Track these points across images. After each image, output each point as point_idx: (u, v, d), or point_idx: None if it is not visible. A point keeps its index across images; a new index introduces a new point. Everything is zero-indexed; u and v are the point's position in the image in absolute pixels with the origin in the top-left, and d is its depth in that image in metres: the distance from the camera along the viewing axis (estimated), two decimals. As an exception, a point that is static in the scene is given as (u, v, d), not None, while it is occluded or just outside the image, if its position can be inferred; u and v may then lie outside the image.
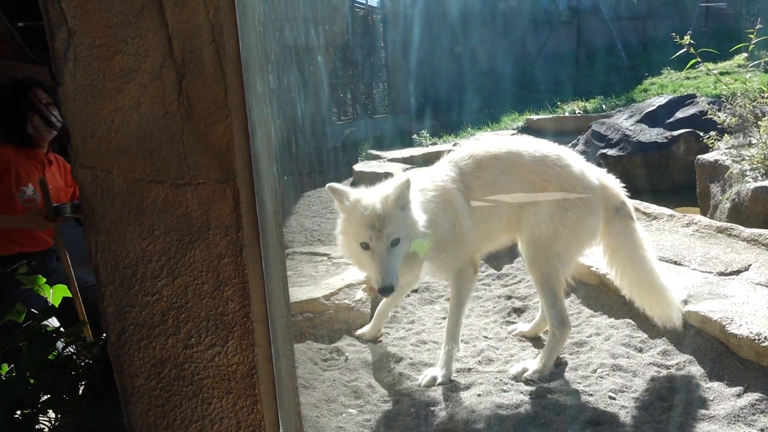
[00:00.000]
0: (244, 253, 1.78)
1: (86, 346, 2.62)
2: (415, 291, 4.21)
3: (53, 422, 2.47)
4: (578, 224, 2.94)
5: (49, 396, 2.40)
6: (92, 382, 2.53)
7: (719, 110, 6.26)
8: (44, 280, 2.81)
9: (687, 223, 4.19)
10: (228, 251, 1.79)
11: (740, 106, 5.86)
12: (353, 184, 8.30)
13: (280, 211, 1.94)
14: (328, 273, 4.10)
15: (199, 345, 1.86)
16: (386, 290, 2.59)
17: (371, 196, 2.74)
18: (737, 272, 3.32)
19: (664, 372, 2.88)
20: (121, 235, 1.81)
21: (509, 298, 3.91)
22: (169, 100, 1.71)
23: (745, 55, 5.96)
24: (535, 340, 3.40)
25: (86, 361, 2.60)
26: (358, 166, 8.49)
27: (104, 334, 2.94)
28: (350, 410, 2.79)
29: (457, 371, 3.09)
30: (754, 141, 5.70)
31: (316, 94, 10.57)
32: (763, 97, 5.61)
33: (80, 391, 2.55)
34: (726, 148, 5.96)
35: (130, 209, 1.79)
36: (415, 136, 9.80)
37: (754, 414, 2.49)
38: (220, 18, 1.63)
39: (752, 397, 2.57)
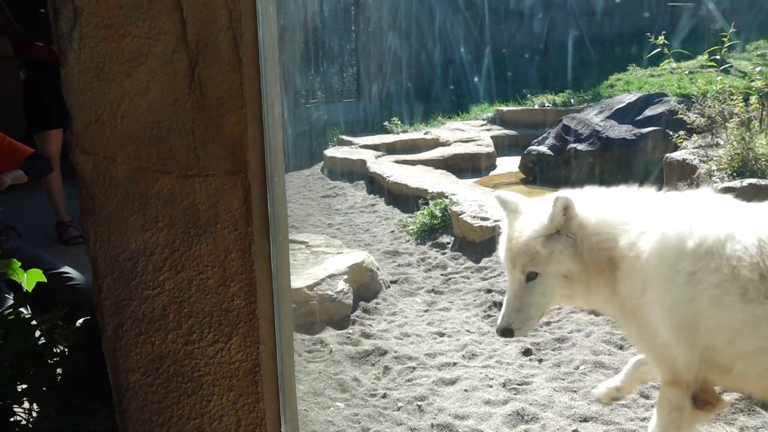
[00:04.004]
0: (253, 249, 1.73)
1: (63, 334, 2.52)
2: (395, 282, 4.21)
3: (29, 413, 2.38)
4: None
5: (25, 386, 2.31)
6: (71, 371, 2.44)
7: (689, 110, 6.41)
8: (19, 264, 2.69)
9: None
10: (236, 246, 1.73)
11: (709, 107, 6.01)
12: (323, 170, 8.24)
13: (286, 205, 1.89)
14: (307, 262, 4.05)
15: (201, 341, 1.80)
16: (502, 332, 2.15)
17: (526, 215, 2.18)
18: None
19: (646, 370, 2.95)
20: (123, 226, 1.73)
21: (489, 291, 3.94)
22: (180, 87, 1.63)
23: (716, 56, 6.10)
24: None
25: (62, 349, 2.51)
26: (330, 152, 8.41)
27: (77, 323, 2.84)
28: (338, 404, 2.77)
29: (442, 365, 3.10)
30: (721, 142, 5.86)
31: (286, 73, 10.40)
32: (732, 99, 5.75)
33: (58, 380, 2.46)
34: (693, 148, 6.11)
35: (134, 199, 1.71)
36: (386, 123, 9.75)
37: (733, 413, 2.57)
38: (239, 4, 1.56)
39: (731, 396, 2.64)
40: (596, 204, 2.16)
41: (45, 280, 2.77)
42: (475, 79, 12.70)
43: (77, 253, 4.25)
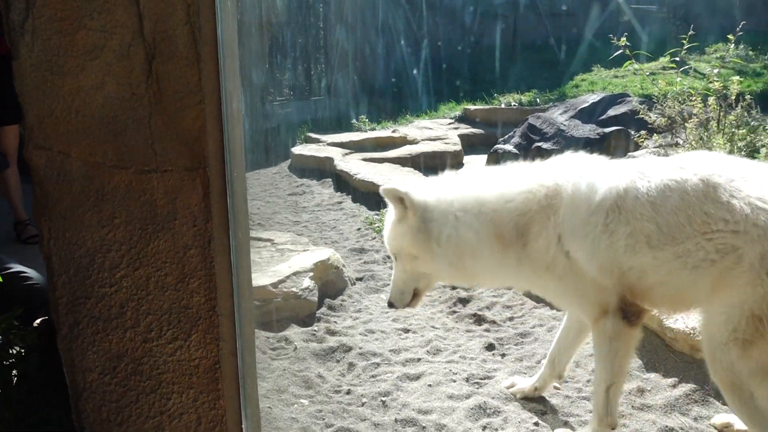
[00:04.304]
0: (213, 245, 1.72)
1: (19, 335, 2.47)
2: (360, 279, 4.21)
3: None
4: None
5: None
6: (28, 372, 2.39)
7: (650, 110, 6.54)
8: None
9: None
10: (195, 242, 1.72)
11: (669, 108, 6.15)
12: (291, 167, 8.19)
13: (246, 201, 1.88)
14: (273, 259, 4.03)
15: (159, 339, 1.78)
16: (388, 304, 2.63)
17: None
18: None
19: (605, 363, 3.01)
20: (78, 223, 1.71)
21: (454, 288, 3.97)
22: (137, 81, 1.61)
23: (676, 58, 6.24)
24: (486, 330, 3.46)
25: (18, 350, 2.45)
26: (297, 149, 8.37)
27: (34, 323, 2.78)
28: (302, 400, 2.77)
29: (407, 361, 3.12)
30: (680, 141, 6.01)
31: (253, 70, 10.31)
32: (691, 100, 5.90)
33: (13, 383, 2.40)
34: (654, 147, 6.25)
35: (89, 195, 1.69)
36: (354, 121, 9.74)
37: (688, 404, 2.65)
38: (197, -2, 1.55)
39: (686, 387, 2.72)
40: (467, 186, 2.45)
41: (0, 280, 2.71)
42: (417, 76, 12.76)
43: (36, 252, 4.15)
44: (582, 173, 2.25)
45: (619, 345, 2.26)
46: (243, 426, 1.86)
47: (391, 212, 2.50)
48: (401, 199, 2.39)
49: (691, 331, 2.80)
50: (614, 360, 2.28)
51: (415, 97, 12.06)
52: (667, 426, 2.53)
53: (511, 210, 2.30)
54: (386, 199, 2.46)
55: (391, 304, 2.60)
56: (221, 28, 1.56)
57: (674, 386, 2.75)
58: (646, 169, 2.18)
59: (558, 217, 2.23)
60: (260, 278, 3.60)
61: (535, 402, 2.74)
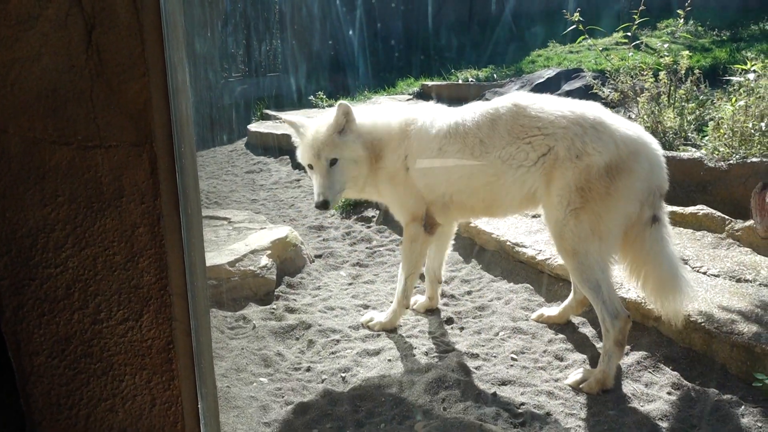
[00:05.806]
0: (162, 223, 1.66)
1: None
2: (319, 257, 4.19)
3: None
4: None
5: None
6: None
7: (603, 85, 6.63)
8: None
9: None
10: (143, 220, 1.67)
11: (622, 82, 6.24)
12: (247, 145, 8.06)
13: (197, 177, 1.83)
14: (229, 238, 3.97)
15: (109, 320, 1.73)
16: (320, 205, 2.95)
17: (315, 123, 3.05)
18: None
19: (560, 334, 3.07)
20: (18, 201, 1.63)
21: (413, 263, 3.98)
22: (77, 52, 1.54)
23: (628, 34, 6.33)
24: (444, 304, 3.49)
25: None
26: (253, 126, 8.23)
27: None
28: (261, 379, 2.74)
29: (366, 337, 3.13)
30: (633, 116, 6.11)
31: (207, 46, 10.06)
32: (642, 75, 6.00)
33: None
34: (608, 122, 6.32)
35: (29, 172, 1.62)
36: (311, 97, 9.62)
37: (639, 371, 2.73)
38: (138, -36, 1.48)
39: (638, 355, 2.80)
40: (369, 113, 3.16)
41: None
42: (401, 53, 12.66)
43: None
44: (430, 113, 3.01)
45: (417, 246, 3.06)
46: (199, 406, 1.83)
47: (325, 126, 2.97)
48: (347, 113, 2.97)
49: (642, 300, 2.88)
50: (412, 256, 3.10)
51: (374, 74, 11.96)
52: (619, 392, 2.60)
53: (378, 134, 3.03)
54: (337, 115, 2.96)
55: (325, 204, 2.95)
56: (164, -5, 1.50)
57: (626, 354, 2.82)
58: (475, 107, 2.90)
59: (409, 141, 2.98)
60: (217, 257, 3.54)
61: (494, 373, 2.78)
